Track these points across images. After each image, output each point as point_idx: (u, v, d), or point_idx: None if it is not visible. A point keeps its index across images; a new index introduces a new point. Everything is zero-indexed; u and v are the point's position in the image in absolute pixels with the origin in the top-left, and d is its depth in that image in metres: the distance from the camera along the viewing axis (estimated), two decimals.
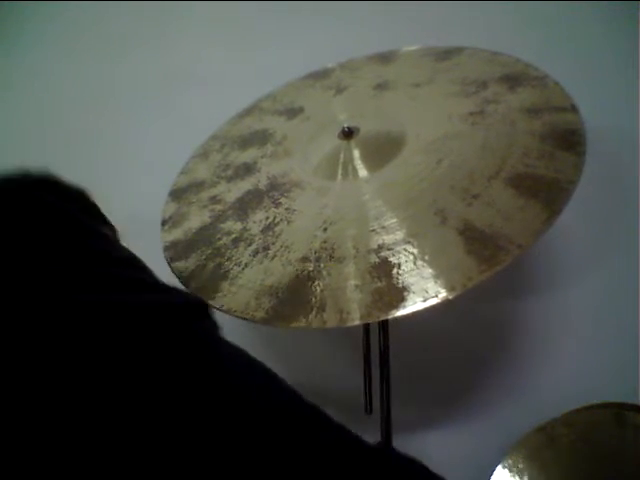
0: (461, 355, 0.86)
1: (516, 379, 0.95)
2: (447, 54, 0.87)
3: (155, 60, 0.95)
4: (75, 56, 0.95)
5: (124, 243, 0.85)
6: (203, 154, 0.88)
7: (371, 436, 0.87)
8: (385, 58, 0.92)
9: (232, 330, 1.05)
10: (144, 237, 0.92)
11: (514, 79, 0.77)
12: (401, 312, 0.56)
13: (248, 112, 0.93)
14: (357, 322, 0.57)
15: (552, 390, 0.89)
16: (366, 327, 0.84)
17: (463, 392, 1.00)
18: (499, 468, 0.65)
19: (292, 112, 0.87)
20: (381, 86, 0.84)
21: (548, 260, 0.93)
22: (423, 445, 0.98)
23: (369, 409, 0.85)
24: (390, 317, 0.56)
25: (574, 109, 0.70)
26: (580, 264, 0.94)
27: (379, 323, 0.77)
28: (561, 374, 0.96)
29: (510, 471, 0.64)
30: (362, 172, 0.71)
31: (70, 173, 0.97)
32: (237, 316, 0.62)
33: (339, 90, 0.87)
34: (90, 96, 0.97)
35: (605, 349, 0.92)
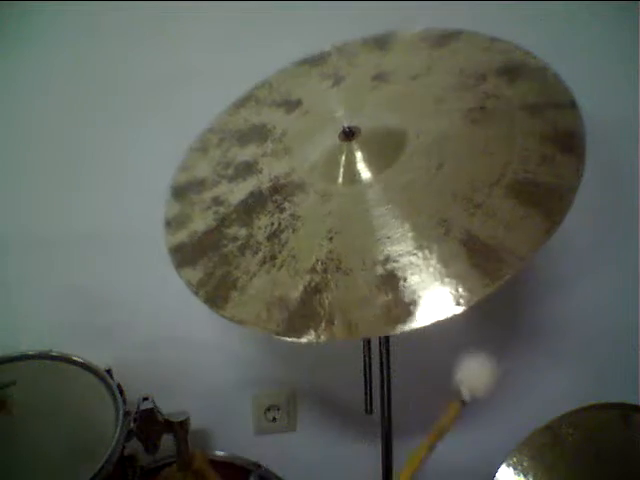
0: (462, 355, 0.89)
1: (517, 379, 0.98)
2: (444, 39, 0.86)
3: (153, 59, 0.94)
4: (74, 56, 0.93)
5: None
6: (202, 148, 0.88)
7: (371, 436, 0.89)
8: (381, 42, 0.90)
9: (234, 330, 1.06)
10: (143, 236, 0.92)
11: (513, 70, 0.76)
12: (408, 327, 0.58)
13: (244, 102, 0.92)
14: (366, 336, 0.59)
15: (553, 390, 0.92)
16: None
17: None
18: (503, 466, 0.66)
19: (290, 105, 0.86)
20: (379, 77, 0.83)
21: (548, 261, 0.95)
22: None
23: (369, 409, 0.86)
24: (398, 332, 0.58)
25: (573, 105, 0.70)
26: (580, 265, 0.96)
27: None
28: (562, 374, 0.99)
29: (514, 469, 0.65)
30: (365, 174, 0.72)
31: (68, 175, 0.97)
32: (250, 328, 0.64)
33: (337, 81, 0.86)
34: (88, 96, 0.96)
35: (605, 349, 0.95)
